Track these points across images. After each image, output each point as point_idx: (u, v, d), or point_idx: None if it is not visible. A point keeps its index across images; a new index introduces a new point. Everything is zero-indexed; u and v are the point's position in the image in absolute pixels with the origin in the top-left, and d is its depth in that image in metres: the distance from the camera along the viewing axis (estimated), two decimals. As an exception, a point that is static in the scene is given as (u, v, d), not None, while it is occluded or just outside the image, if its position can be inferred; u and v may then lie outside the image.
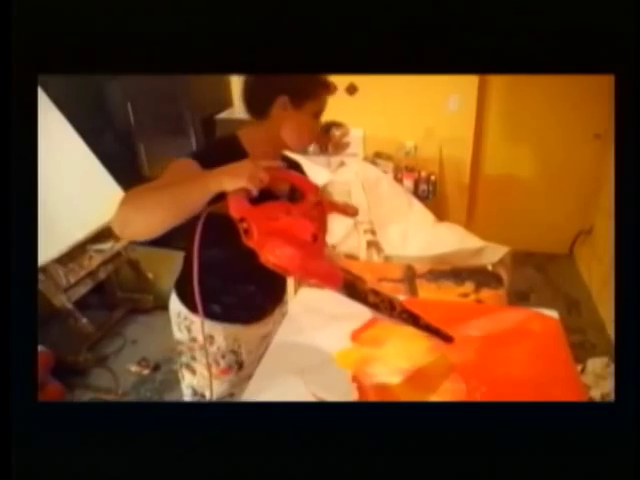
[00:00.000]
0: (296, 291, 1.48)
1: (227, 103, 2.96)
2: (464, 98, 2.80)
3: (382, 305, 0.91)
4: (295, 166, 1.21)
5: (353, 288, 0.88)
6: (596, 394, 1.93)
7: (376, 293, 0.91)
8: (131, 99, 2.70)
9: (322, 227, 0.88)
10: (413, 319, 0.97)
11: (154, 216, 0.80)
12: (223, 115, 2.84)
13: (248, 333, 1.23)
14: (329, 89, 1.07)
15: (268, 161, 0.85)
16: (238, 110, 2.87)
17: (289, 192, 1.05)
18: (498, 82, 2.89)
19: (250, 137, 1.07)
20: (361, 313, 1.32)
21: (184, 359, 1.25)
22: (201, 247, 0.83)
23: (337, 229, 2.24)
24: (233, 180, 0.78)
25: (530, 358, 1.17)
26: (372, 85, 2.86)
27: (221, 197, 0.81)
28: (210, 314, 1.15)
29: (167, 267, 2.82)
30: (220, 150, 1.05)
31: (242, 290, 1.17)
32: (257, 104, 1.06)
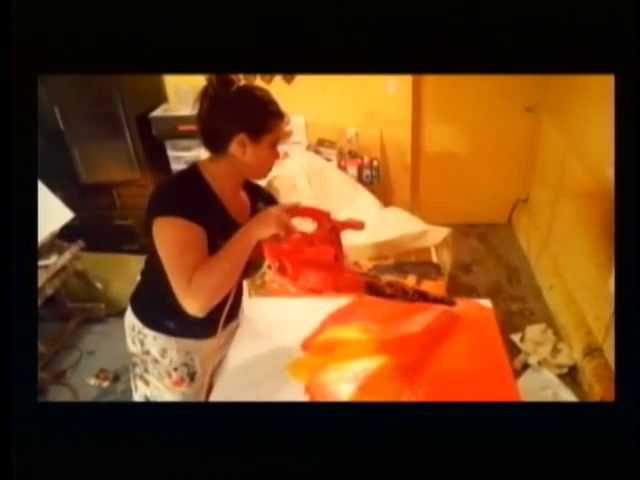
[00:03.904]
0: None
1: (161, 99, 2.86)
2: (400, 80, 2.83)
3: (397, 293, 1.05)
4: (255, 188, 1.23)
5: (373, 287, 1.02)
6: (534, 360, 2.10)
7: (391, 285, 1.04)
8: (58, 103, 2.57)
9: (340, 247, 1.00)
10: (423, 297, 1.11)
11: (225, 284, 0.97)
12: (158, 112, 2.75)
13: (201, 346, 1.26)
14: (284, 119, 1.08)
15: (286, 204, 1.04)
16: (173, 106, 2.79)
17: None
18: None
19: (211, 171, 1.08)
20: (309, 319, 1.38)
21: (137, 371, 1.29)
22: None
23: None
24: (268, 229, 0.95)
25: (467, 351, 1.25)
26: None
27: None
28: (164, 329, 1.19)
29: (116, 272, 2.76)
30: (189, 193, 1.05)
31: None
32: (214, 142, 1.06)
